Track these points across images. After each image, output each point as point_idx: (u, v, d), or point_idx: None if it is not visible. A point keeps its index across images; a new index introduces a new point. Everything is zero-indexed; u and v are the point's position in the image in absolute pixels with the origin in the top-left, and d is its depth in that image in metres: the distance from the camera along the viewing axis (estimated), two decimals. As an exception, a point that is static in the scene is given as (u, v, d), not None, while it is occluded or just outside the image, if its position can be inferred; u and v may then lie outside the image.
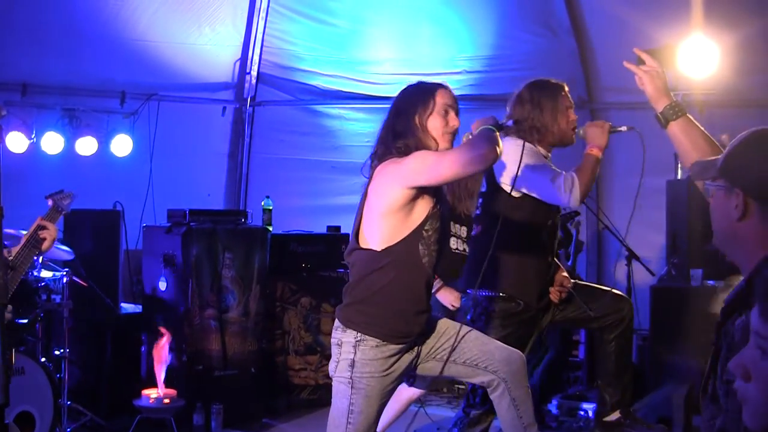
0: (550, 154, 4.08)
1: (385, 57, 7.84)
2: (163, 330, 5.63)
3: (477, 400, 3.96)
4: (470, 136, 3.31)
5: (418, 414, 5.13)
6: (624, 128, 3.98)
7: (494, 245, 3.57)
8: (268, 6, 7.65)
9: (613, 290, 4.41)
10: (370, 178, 3.29)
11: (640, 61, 2.99)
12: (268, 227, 6.63)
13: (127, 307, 6.47)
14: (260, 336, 6.14)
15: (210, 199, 8.04)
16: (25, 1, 6.45)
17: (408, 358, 3.33)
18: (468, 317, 3.98)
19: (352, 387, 3.20)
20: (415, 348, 3.37)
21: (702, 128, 2.74)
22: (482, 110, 7.42)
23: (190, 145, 7.87)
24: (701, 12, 5.83)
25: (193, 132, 7.92)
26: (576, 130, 4.05)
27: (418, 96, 3.34)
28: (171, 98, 7.60)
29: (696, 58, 5.75)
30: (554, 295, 4.11)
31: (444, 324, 3.50)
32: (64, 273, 5.31)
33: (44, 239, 4.14)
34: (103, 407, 5.85)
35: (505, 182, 3.90)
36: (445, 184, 3.34)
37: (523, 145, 3.59)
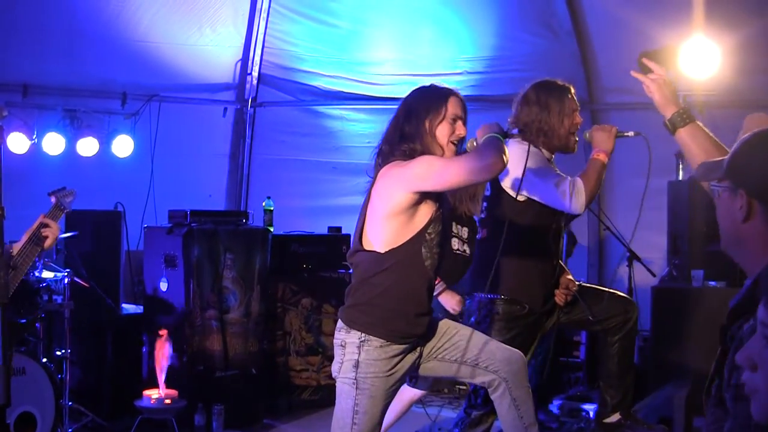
0: (553, 157, 4.07)
1: (386, 58, 7.84)
2: (164, 331, 5.63)
3: (479, 401, 3.96)
4: (475, 143, 3.30)
5: (420, 414, 5.13)
6: (631, 133, 3.96)
7: (501, 249, 3.58)
8: (269, 7, 7.65)
9: (618, 292, 4.40)
10: (373, 179, 3.29)
11: (645, 69, 3.00)
12: (269, 228, 6.63)
13: (129, 307, 6.47)
14: (261, 337, 6.14)
15: (211, 200, 8.04)
16: (26, 2, 6.45)
17: (411, 358, 3.34)
18: (472, 320, 3.97)
19: (356, 387, 3.20)
20: (418, 348, 3.38)
21: (710, 133, 2.74)
22: (483, 111, 7.44)
23: (191, 146, 7.88)
24: (702, 13, 5.83)
25: (194, 133, 7.92)
26: (582, 134, 4.03)
27: (431, 101, 3.33)
28: (172, 99, 7.60)
29: (697, 59, 5.75)
30: (559, 298, 4.11)
31: (445, 324, 3.51)
32: (66, 273, 5.31)
33: (46, 237, 4.14)
34: (104, 408, 5.86)
35: (510, 186, 3.88)
36: (450, 191, 3.33)
37: (528, 149, 3.59)
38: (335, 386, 3.34)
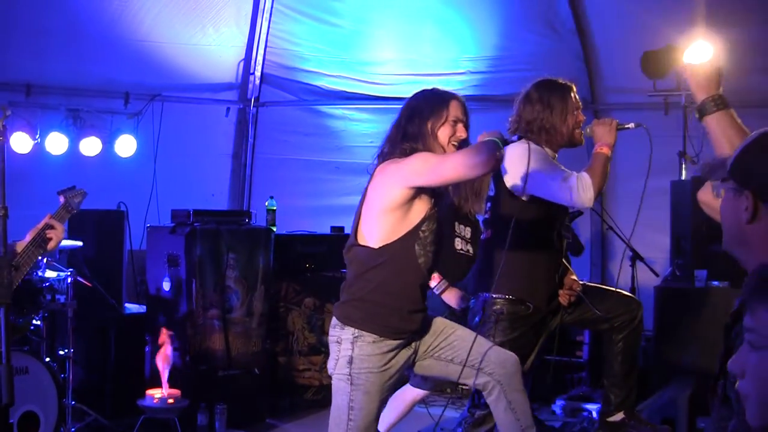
0: (557, 155, 4.07)
1: (389, 58, 7.85)
2: (166, 330, 5.63)
3: (482, 400, 3.94)
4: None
5: (422, 414, 5.12)
6: (632, 125, 3.96)
7: (507, 249, 3.61)
8: (271, 6, 7.65)
9: (623, 291, 4.40)
10: (371, 176, 3.34)
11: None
12: (271, 227, 6.63)
13: (131, 307, 6.47)
14: (264, 336, 6.14)
15: (214, 200, 8.04)
16: (29, 2, 6.46)
17: (405, 354, 3.37)
18: (477, 319, 3.97)
19: (351, 383, 3.24)
20: (413, 344, 3.40)
21: (740, 123, 2.70)
22: (486, 111, 7.45)
23: (194, 146, 7.88)
24: (704, 13, 5.84)
25: (196, 132, 7.92)
26: (584, 129, 4.03)
27: (434, 103, 3.40)
28: (175, 99, 7.61)
29: (698, 59, 5.76)
30: (564, 297, 4.10)
31: (441, 323, 3.53)
32: (69, 273, 5.31)
33: (50, 239, 4.12)
34: (107, 407, 5.86)
35: (514, 185, 3.88)
36: (445, 186, 3.37)
37: (529, 147, 3.59)
38: None
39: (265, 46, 7.89)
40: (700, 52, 5.46)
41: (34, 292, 5.09)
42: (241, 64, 7.98)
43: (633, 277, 6.15)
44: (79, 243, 5.56)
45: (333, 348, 3.33)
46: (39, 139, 6.55)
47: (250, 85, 8.08)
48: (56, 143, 6.66)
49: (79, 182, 4.59)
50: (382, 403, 3.35)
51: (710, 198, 2.60)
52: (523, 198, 3.87)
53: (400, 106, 3.50)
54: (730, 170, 1.93)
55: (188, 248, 5.77)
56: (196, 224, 5.87)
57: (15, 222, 3.21)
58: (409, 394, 4.57)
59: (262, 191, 7.70)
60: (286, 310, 6.40)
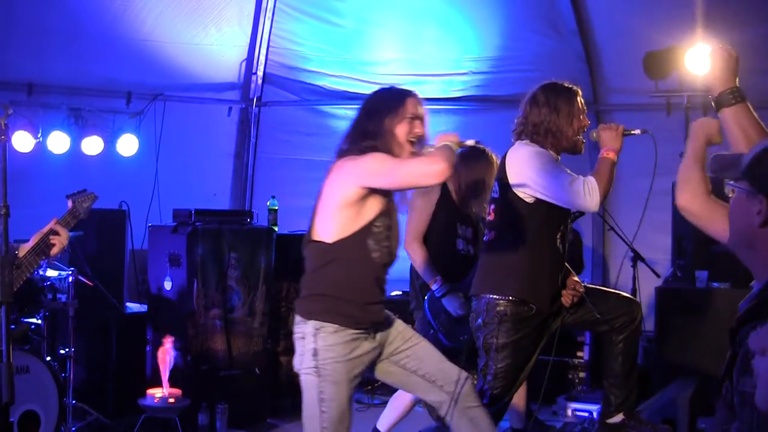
0: (560, 159, 4.07)
1: (391, 58, 7.85)
2: (168, 330, 5.63)
3: (484, 401, 3.95)
4: (431, 150, 3.38)
5: (422, 414, 5.13)
6: (638, 131, 3.97)
7: (509, 250, 3.63)
8: (274, 6, 7.65)
9: (621, 293, 4.41)
10: (327, 173, 3.43)
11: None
12: (273, 227, 6.64)
13: (133, 306, 6.48)
14: (265, 336, 6.14)
15: (216, 199, 8.04)
16: (29, 1, 6.46)
17: (369, 346, 3.40)
18: (479, 321, 3.96)
19: (319, 375, 3.30)
20: (377, 337, 3.43)
21: (756, 118, 2.68)
22: (488, 111, 7.46)
23: (196, 145, 7.88)
24: (705, 14, 5.83)
25: (198, 132, 7.92)
26: (588, 134, 4.03)
27: (391, 101, 3.48)
28: (177, 98, 7.61)
29: (700, 60, 5.74)
30: (566, 298, 4.10)
31: (407, 331, 3.58)
32: (70, 272, 5.32)
33: (54, 245, 4.11)
34: (108, 406, 5.87)
35: (519, 187, 3.88)
36: (397, 190, 3.43)
37: (535, 150, 3.57)
38: None
39: (268, 46, 7.90)
40: (701, 54, 5.47)
41: (36, 291, 5.11)
42: (244, 64, 7.98)
43: (634, 278, 6.15)
44: (80, 232, 5.55)
45: (298, 345, 3.43)
46: (41, 139, 6.55)
47: (253, 85, 8.08)
48: (58, 142, 6.67)
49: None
50: (351, 395, 3.38)
51: (690, 203, 2.60)
52: (528, 200, 3.87)
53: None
54: (746, 172, 1.90)
55: (190, 248, 5.78)
56: (197, 224, 5.87)
57: (16, 221, 3.21)
58: (409, 394, 4.57)
59: (264, 191, 7.70)
60: (288, 310, 6.40)
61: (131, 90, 7.28)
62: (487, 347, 3.92)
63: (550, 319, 4.09)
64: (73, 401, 5.26)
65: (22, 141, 6.37)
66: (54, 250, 4.12)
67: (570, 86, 4.06)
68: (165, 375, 5.49)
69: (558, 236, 4.01)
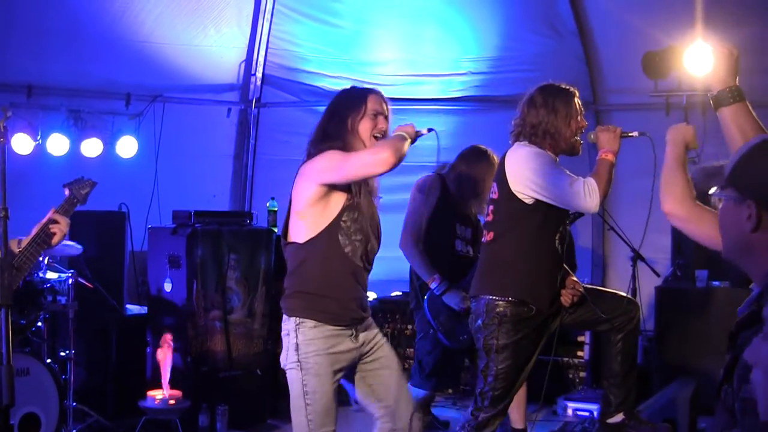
0: (558, 160, 4.07)
1: (390, 58, 7.84)
2: (168, 331, 5.63)
3: (486, 402, 3.95)
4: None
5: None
6: (635, 134, 3.98)
7: (509, 251, 3.68)
8: (273, 7, 7.65)
9: (619, 292, 4.41)
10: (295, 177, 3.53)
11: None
12: (273, 228, 6.64)
13: (133, 308, 6.48)
14: (265, 337, 6.14)
15: (215, 201, 8.04)
16: (30, 2, 6.46)
17: (350, 344, 3.45)
18: (479, 322, 3.96)
19: (301, 369, 3.36)
20: (360, 337, 3.48)
21: (755, 117, 2.67)
22: (487, 111, 7.45)
23: (196, 147, 7.87)
24: (704, 14, 5.83)
25: (198, 133, 7.92)
26: (586, 135, 4.03)
27: (352, 100, 3.57)
28: (176, 100, 7.61)
29: (699, 60, 5.74)
30: (566, 298, 4.10)
31: (375, 331, 3.61)
32: (70, 274, 5.32)
33: (54, 234, 4.10)
34: (108, 408, 5.87)
35: (519, 188, 3.88)
36: (353, 182, 3.46)
37: (534, 151, 3.57)
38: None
39: (267, 47, 7.90)
40: (700, 54, 5.47)
41: (36, 293, 5.10)
42: (243, 65, 7.98)
43: (634, 278, 6.15)
44: (79, 247, 5.55)
45: (284, 342, 3.47)
46: (40, 140, 6.55)
47: (252, 86, 8.08)
48: (57, 144, 6.66)
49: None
50: (335, 390, 3.43)
51: (676, 208, 2.60)
52: (527, 201, 3.87)
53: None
54: (730, 178, 1.89)
55: (189, 249, 5.78)
56: (197, 225, 5.88)
57: (16, 223, 3.21)
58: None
59: (264, 192, 7.69)
60: (288, 311, 6.39)
61: (130, 91, 7.27)
62: (488, 348, 3.92)
63: (549, 319, 4.09)
64: (74, 403, 5.27)
65: (22, 143, 6.37)
66: (55, 239, 4.10)
67: (567, 87, 4.06)
68: (165, 376, 5.49)
69: (556, 237, 4.02)
